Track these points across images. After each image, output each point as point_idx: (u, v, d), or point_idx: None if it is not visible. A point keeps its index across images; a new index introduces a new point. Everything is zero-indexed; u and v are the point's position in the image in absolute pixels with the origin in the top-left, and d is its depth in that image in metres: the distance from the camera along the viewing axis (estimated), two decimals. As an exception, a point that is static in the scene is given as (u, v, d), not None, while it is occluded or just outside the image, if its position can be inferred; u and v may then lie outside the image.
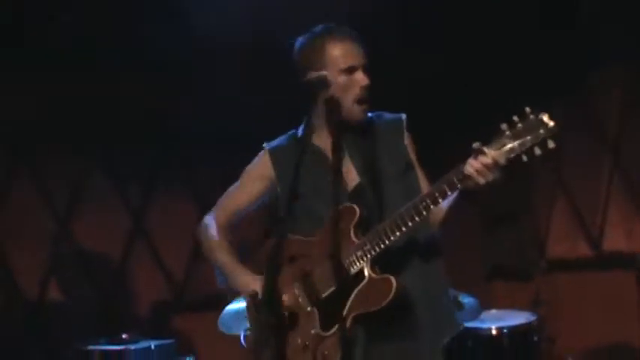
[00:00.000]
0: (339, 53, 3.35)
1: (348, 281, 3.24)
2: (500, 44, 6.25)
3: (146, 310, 6.31)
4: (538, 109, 3.05)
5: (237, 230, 3.69)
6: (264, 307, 3.27)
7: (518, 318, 5.56)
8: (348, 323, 3.23)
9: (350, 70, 3.34)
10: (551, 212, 6.82)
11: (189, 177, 6.47)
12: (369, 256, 3.24)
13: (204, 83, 6.06)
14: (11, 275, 6.09)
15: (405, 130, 3.49)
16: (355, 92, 3.34)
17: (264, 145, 3.60)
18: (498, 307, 5.77)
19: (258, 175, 3.60)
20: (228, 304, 4.74)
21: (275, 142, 3.60)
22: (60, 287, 6.18)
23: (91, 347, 5.23)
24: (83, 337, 5.45)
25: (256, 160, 3.62)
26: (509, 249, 6.81)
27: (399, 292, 3.22)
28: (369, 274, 3.24)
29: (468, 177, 3.10)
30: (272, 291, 3.29)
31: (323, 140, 3.38)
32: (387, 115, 3.53)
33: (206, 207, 6.27)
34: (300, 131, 3.52)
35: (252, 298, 3.36)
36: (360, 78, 3.35)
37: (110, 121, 6.12)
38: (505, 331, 5.40)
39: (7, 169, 6.16)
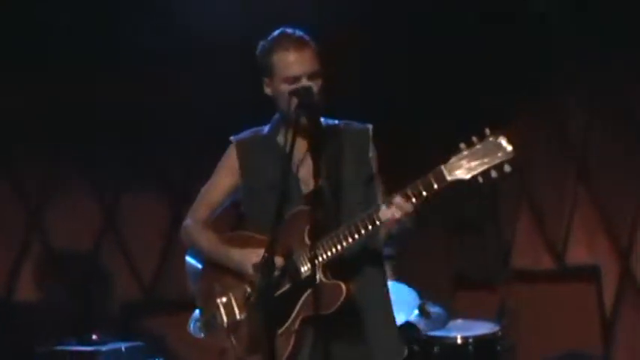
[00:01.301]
0: (282, 64, 3.40)
1: (299, 283, 3.31)
2: (466, 48, 6.34)
3: (116, 310, 6.31)
4: (497, 131, 3.13)
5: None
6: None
7: (483, 328, 5.67)
8: (297, 324, 3.32)
9: (292, 80, 3.39)
10: (515, 223, 6.90)
11: (163, 178, 6.48)
12: (320, 260, 3.30)
13: (181, 83, 6.07)
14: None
15: (370, 141, 3.54)
16: (295, 101, 3.36)
17: (232, 137, 3.63)
18: (463, 316, 5.87)
19: (226, 169, 3.62)
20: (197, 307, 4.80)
21: (242, 135, 3.64)
22: (29, 284, 6.16)
23: (60, 347, 5.22)
24: (52, 336, 5.44)
25: (225, 153, 3.65)
26: (474, 259, 6.89)
27: (349, 298, 3.30)
28: (320, 279, 3.30)
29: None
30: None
31: (285, 139, 3.43)
32: (355, 124, 3.57)
33: (178, 208, 6.40)
34: (266, 128, 3.58)
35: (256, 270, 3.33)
36: (310, 85, 3.37)
37: (86, 120, 6.11)
38: (470, 340, 5.51)
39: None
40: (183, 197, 6.39)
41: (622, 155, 6.26)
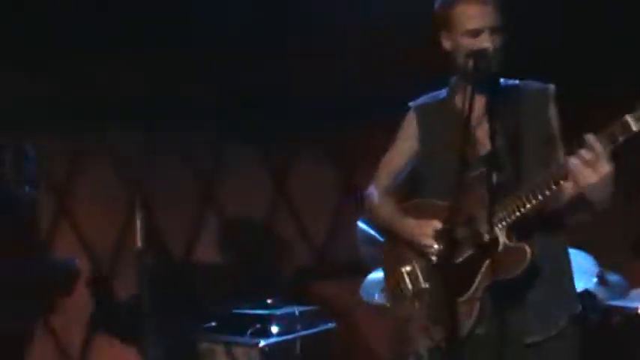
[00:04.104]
0: (463, 16, 3.33)
1: (482, 248, 3.24)
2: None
3: (288, 275, 6.42)
4: None
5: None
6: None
7: (668, 298, 5.41)
8: (480, 291, 3.26)
9: (474, 33, 3.32)
10: None
11: (332, 144, 6.51)
12: (504, 223, 3.23)
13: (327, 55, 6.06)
14: (159, 236, 6.32)
15: (551, 101, 3.44)
16: (470, 64, 3.29)
17: (410, 103, 3.64)
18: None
19: (407, 134, 3.63)
20: (369, 272, 4.83)
21: (420, 100, 3.64)
22: (206, 250, 6.35)
23: (236, 310, 5.36)
24: (228, 299, 5.59)
25: (404, 119, 3.66)
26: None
27: (533, 261, 3.21)
28: (504, 242, 3.23)
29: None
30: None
31: (463, 101, 3.32)
32: (535, 84, 3.48)
33: (349, 173, 6.43)
34: (443, 92, 3.56)
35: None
36: (483, 41, 3.30)
37: (246, 85, 6.20)
38: (654, 310, 5.27)
39: (151, 136, 6.37)
40: (354, 165, 6.44)
41: None
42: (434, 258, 3.37)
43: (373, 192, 3.71)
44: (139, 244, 5.81)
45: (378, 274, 4.81)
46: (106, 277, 6.32)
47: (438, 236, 3.28)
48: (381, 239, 4.85)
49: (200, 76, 6.18)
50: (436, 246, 3.34)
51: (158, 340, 5.73)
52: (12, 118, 4.74)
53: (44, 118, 6.12)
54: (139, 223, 5.83)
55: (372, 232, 4.89)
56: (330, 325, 5.49)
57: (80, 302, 5.80)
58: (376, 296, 4.74)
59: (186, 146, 6.40)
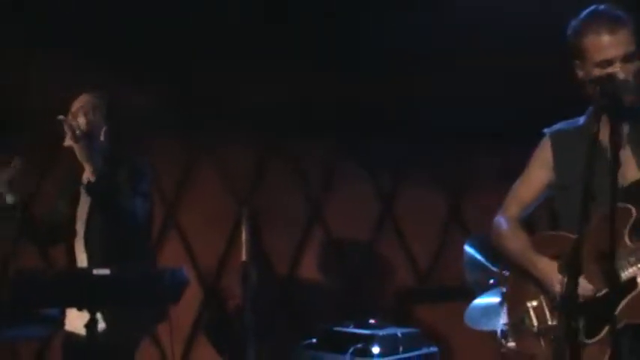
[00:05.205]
0: (592, 46, 3.21)
1: (618, 287, 3.08)
2: None
3: (391, 297, 6.38)
4: None
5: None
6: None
7: None
8: (615, 332, 3.06)
9: (605, 64, 3.20)
10: None
11: (441, 167, 6.47)
12: None
13: (463, 72, 6.01)
14: (265, 251, 6.37)
15: None
16: (597, 89, 3.17)
17: (545, 130, 3.51)
18: None
19: (540, 162, 3.49)
20: (474, 297, 4.76)
21: (556, 127, 3.49)
22: (311, 267, 6.38)
23: (339, 328, 5.36)
24: (331, 317, 5.60)
25: (538, 146, 3.52)
26: None
27: None
28: None
29: None
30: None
31: (602, 130, 3.16)
32: None
33: (455, 196, 6.37)
34: (581, 119, 3.42)
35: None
36: (616, 71, 3.17)
37: (368, 110, 6.22)
38: None
39: (263, 152, 6.45)
40: (460, 186, 6.38)
41: None
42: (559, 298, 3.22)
43: (501, 221, 3.55)
44: (245, 257, 5.89)
45: (482, 300, 4.74)
46: (213, 289, 6.42)
47: (564, 269, 3.14)
48: (487, 264, 4.80)
49: (318, 95, 6.21)
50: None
51: (258, 352, 5.78)
52: (126, 131, 4.84)
53: (157, 130, 6.26)
54: (245, 237, 5.91)
55: (478, 256, 4.83)
56: (432, 348, 5.43)
57: (182, 311, 5.89)
58: (482, 323, 4.66)
59: (297, 164, 6.45)
